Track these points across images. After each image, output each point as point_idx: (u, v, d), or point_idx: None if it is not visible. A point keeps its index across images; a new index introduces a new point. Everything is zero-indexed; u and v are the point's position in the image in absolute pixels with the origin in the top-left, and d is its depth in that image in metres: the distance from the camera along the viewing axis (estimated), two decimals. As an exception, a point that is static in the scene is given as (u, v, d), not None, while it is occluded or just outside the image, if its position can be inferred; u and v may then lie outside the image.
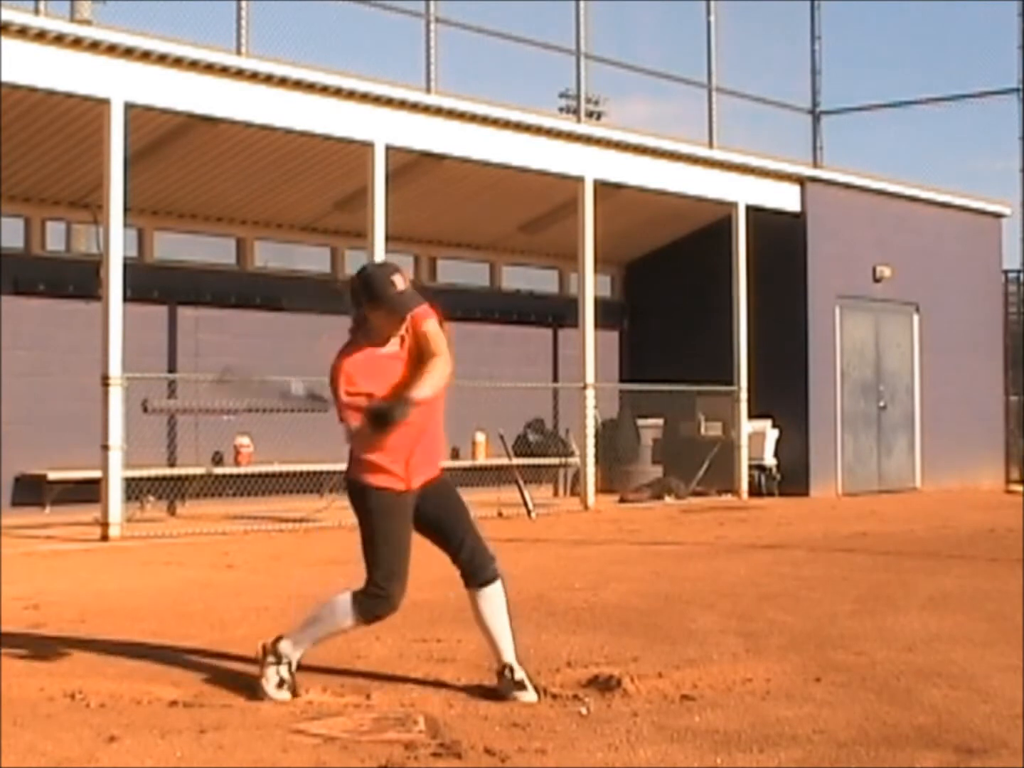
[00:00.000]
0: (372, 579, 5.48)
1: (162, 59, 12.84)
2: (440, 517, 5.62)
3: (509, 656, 5.61)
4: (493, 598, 5.62)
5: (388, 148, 14.34)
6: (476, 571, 5.60)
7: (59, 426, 14.32)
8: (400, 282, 5.44)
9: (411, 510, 5.54)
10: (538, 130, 16.16)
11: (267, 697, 5.49)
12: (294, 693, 5.54)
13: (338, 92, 14.17)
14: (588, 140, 16.69)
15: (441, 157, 15.70)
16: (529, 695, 5.53)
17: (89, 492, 12.99)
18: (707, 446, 18.40)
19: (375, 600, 5.49)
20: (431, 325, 5.51)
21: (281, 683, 5.53)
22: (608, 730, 5.01)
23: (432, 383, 5.40)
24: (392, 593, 5.48)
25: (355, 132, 14.32)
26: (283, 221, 16.81)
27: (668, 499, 17.58)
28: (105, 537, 12.17)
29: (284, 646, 5.57)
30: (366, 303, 5.46)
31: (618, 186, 17.18)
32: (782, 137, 20.87)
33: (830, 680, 5.88)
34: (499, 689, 5.58)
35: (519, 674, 5.58)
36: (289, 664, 5.56)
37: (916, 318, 20.78)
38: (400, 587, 5.50)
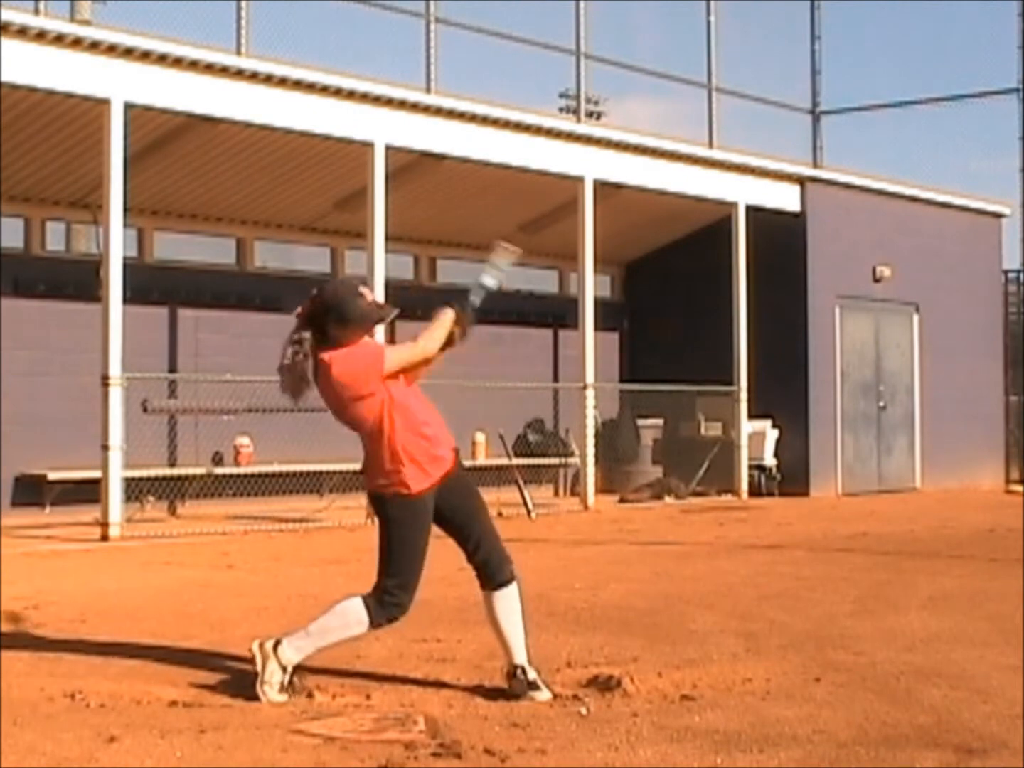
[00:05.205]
0: (385, 585, 5.47)
1: (162, 59, 12.84)
2: (456, 515, 5.59)
3: (520, 658, 5.58)
4: (507, 600, 5.59)
5: (388, 148, 14.34)
6: (492, 574, 5.58)
7: (59, 426, 14.32)
8: (368, 294, 5.62)
9: (428, 514, 5.52)
10: (538, 130, 16.15)
11: (268, 701, 5.44)
12: (293, 693, 5.51)
13: (338, 92, 14.17)
14: (588, 140, 16.69)
15: (441, 157, 15.69)
16: (543, 694, 5.51)
17: (89, 492, 12.99)
18: (707, 446, 18.40)
19: (388, 607, 5.47)
20: (396, 351, 5.59)
21: (283, 688, 5.49)
22: (608, 730, 5.01)
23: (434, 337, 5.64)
24: (404, 602, 5.49)
25: (355, 132, 14.31)
26: (283, 221, 16.81)
27: (668, 499, 17.57)
28: (105, 537, 12.17)
29: (287, 653, 5.50)
30: (333, 323, 5.44)
31: (618, 186, 17.17)
32: (782, 137, 20.89)
33: (830, 680, 5.88)
34: (510, 690, 5.55)
35: (532, 674, 5.56)
36: (285, 668, 5.50)
37: (916, 318, 20.78)
38: (412, 594, 5.51)
